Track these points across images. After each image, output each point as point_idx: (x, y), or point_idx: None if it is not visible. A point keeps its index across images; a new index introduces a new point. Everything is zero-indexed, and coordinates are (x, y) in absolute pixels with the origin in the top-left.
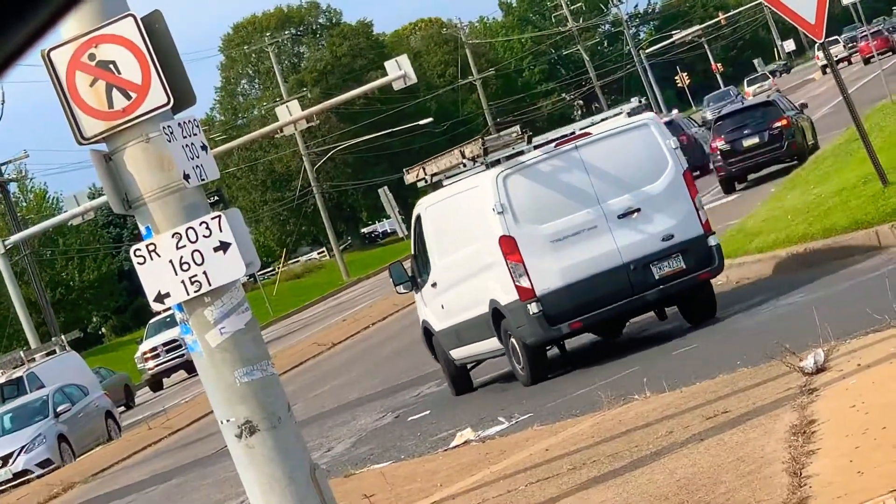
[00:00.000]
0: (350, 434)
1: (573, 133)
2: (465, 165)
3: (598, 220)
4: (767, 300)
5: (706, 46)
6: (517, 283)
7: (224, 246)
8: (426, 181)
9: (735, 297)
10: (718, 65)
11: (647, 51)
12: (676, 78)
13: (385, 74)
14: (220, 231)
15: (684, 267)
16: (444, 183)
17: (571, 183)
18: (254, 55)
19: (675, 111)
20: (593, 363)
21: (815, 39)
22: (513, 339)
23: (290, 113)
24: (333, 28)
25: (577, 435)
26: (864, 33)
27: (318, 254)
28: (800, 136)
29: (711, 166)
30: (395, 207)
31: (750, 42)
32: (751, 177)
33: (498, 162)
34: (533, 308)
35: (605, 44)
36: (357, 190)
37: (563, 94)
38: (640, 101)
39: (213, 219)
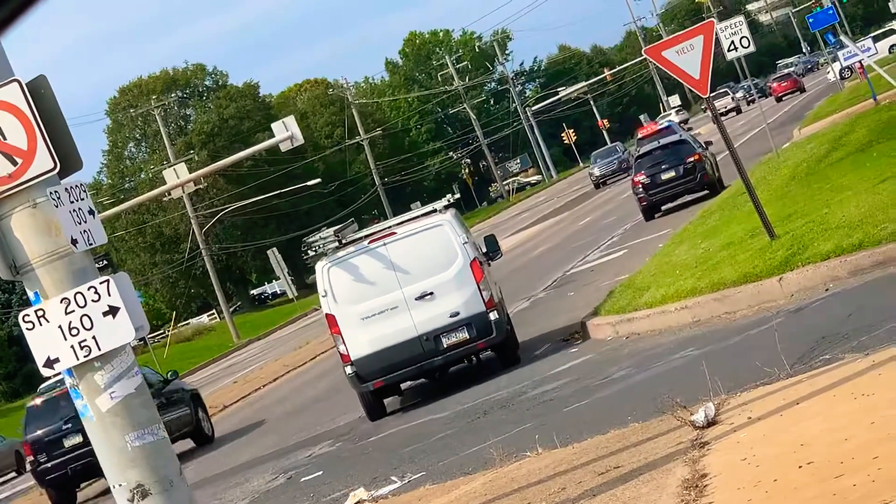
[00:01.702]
0: (243, 496)
1: (384, 230)
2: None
3: (399, 302)
4: (657, 355)
5: (592, 103)
6: (339, 350)
7: (113, 310)
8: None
9: (625, 353)
10: (605, 121)
11: (533, 108)
12: (563, 134)
13: (272, 136)
14: (109, 295)
15: (468, 337)
16: None
17: (379, 272)
18: (140, 118)
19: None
20: (485, 420)
21: (700, 94)
22: None
23: (177, 176)
24: (220, 90)
25: (469, 493)
26: (778, 75)
27: (209, 317)
28: (710, 169)
29: (634, 197)
30: (285, 269)
31: (636, 98)
32: (665, 206)
33: (330, 251)
34: (348, 370)
35: (492, 102)
36: (246, 252)
37: (451, 153)
38: (449, 200)
39: (101, 283)
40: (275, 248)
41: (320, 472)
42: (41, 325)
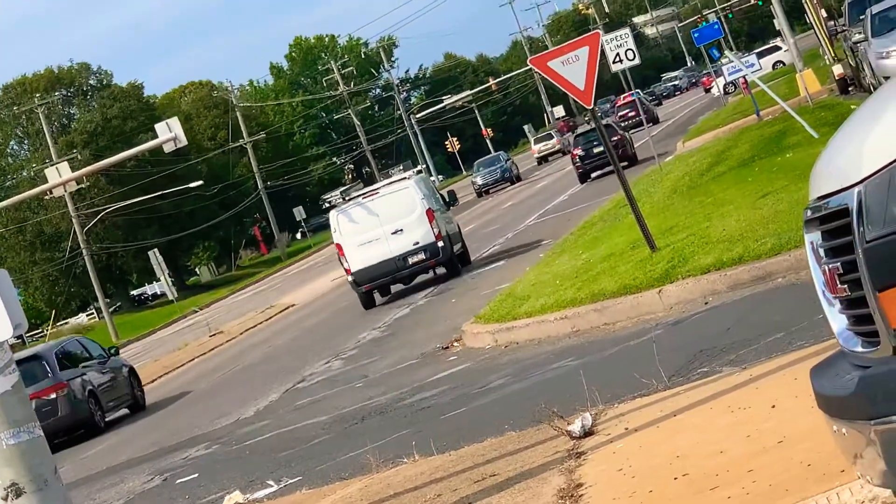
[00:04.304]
0: (118, 496)
1: (373, 190)
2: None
3: (381, 235)
4: (536, 364)
5: (476, 112)
6: (343, 266)
7: None
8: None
9: (504, 361)
10: (488, 130)
11: (418, 115)
12: (447, 143)
13: (156, 136)
14: None
15: (424, 258)
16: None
17: (368, 216)
18: (23, 116)
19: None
20: (362, 426)
21: (585, 105)
22: None
23: (59, 174)
24: (104, 90)
25: (345, 498)
26: (705, 72)
27: (88, 316)
28: (629, 147)
29: (572, 166)
30: (165, 270)
31: (520, 107)
32: (594, 174)
33: (339, 204)
34: (350, 278)
35: (377, 108)
36: (127, 252)
37: (335, 158)
38: (419, 170)
39: None
40: (156, 249)
41: (196, 475)
42: None
